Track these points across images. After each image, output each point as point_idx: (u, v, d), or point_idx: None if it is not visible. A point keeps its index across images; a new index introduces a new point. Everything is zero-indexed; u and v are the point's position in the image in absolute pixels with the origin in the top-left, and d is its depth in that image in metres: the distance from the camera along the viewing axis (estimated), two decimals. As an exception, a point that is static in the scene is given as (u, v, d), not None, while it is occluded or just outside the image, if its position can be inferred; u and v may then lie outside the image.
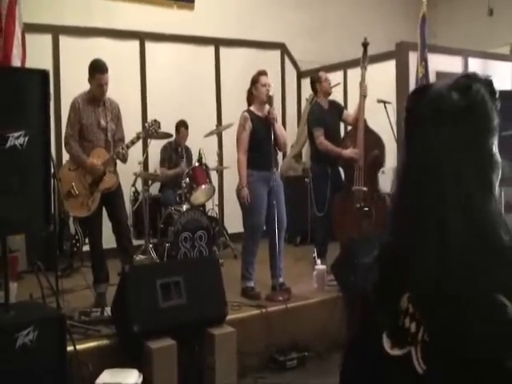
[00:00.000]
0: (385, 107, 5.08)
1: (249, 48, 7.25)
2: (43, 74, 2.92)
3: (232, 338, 3.62)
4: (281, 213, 4.46)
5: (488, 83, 0.92)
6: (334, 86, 5.46)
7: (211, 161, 5.93)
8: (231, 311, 3.87)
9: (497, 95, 0.93)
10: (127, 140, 4.42)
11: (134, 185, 5.80)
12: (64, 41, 6.09)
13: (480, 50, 6.88)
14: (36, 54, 4.43)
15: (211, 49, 7.09)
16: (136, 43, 6.58)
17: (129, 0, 6.51)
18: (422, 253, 0.88)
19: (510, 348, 0.80)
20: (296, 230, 6.27)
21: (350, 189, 5.03)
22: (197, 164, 5.55)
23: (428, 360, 0.87)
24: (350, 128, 5.41)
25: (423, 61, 5.56)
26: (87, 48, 5.81)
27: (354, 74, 5.97)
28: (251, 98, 4.58)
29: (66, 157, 4.64)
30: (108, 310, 3.72)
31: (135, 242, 5.35)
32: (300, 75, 7.74)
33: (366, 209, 4.93)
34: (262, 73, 4.51)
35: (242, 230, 4.72)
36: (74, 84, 4.79)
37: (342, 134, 5.58)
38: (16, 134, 2.73)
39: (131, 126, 4.85)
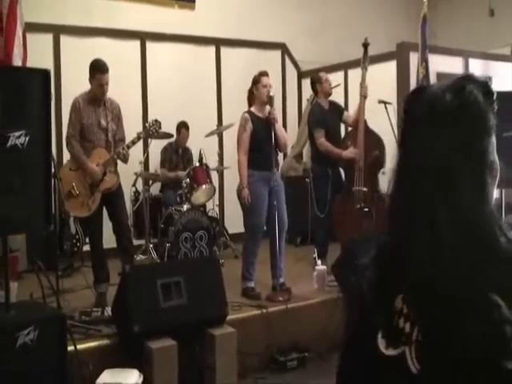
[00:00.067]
0: (385, 108, 5.08)
1: (249, 48, 7.25)
2: (44, 73, 2.92)
3: (232, 338, 3.62)
4: (282, 213, 4.47)
5: (483, 84, 0.93)
6: (335, 86, 5.46)
7: (212, 161, 5.93)
8: (232, 311, 3.87)
9: (494, 97, 0.93)
10: (128, 140, 4.42)
11: (134, 185, 5.80)
12: (65, 40, 6.09)
13: (481, 51, 6.88)
14: (37, 53, 4.43)
15: (212, 49, 7.09)
16: (137, 43, 6.58)
17: (130, 0, 6.51)
18: (415, 253, 0.89)
19: (504, 348, 0.80)
20: (296, 230, 6.26)
21: (350, 189, 5.03)
22: (197, 164, 5.56)
23: (422, 360, 0.87)
24: (350, 128, 5.42)
25: (424, 61, 5.56)
26: (88, 48, 5.80)
27: (354, 74, 5.97)
28: (252, 97, 4.58)
29: (66, 156, 4.64)
30: (108, 310, 3.72)
31: (136, 242, 5.35)
32: (301, 75, 7.74)
33: (367, 209, 4.93)
34: (264, 73, 4.51)
35: (242, 230, 4.72)
36: (74, 84, 4.80)
37: (343, 134, 5.59)
38: (17, 134, 2.73)
39: (132, 126, 4.84)
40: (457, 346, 0.83)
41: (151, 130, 4.62)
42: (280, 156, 5.08)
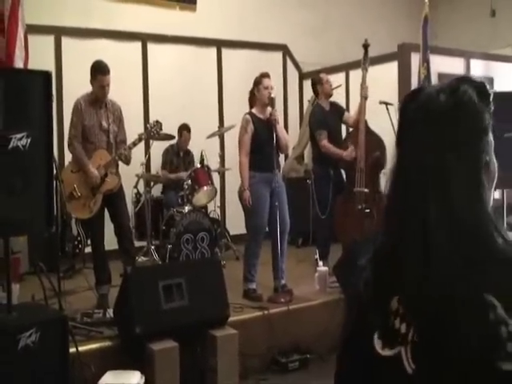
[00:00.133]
0: (387, 109, 5.08)
1: (251, 49, 7.25)
2: (46, 75, 2.92)
3: (234, 339, 3.61)
4: (283, 214, 4.47)
5: (478, 85, 0.93)
6: (336, 87, 5.46)
7: (213, 162, 5.93)
8: (233, 313, 3.86)
9: (489, 97, 0.93)
10: (129, 142, 4.43)
11: (136, 186, 5.80)
12: (66, 42, 6.10)
13: (482, 52, 6.88)
14: (38, 55, 4.44)
15: (213, 50, 7.10)
16: (138, 45, 6.59)
17: (131, 1, 6.52)
18: (409, 253, 0.89)
19: (500, 349, 0.80)
20: (298, 231, 6.26)
21: (351, 190, 5.03)
22: (199, 165, 5.56)
23: (417, 360, 0.88)
24: (351, 129, 5.42)
25: (425, 62, 5.55)
26: (89, 49, 5.82)
27: (355, 75, 5.96)
28: (253, 99, 4.59)
29: (68, 158, 4.65)
30: (110, 312, 3.72)
31: (137, 244, 5.34)
32: (302, 77, 7.74)
33: (368, 210, 4.93)
34: (265, 75, 4.51)
35: (243, 231, 4.72)
36: (76, 85, 4.80)
37: (344, 134, 5.58)
38: (18, 136, 2.74)
39: (133, 128, 4.85)
40: (452, 346, 0.83)
41: (152, 132, 4.62)
42: (281, 157, 5.08)
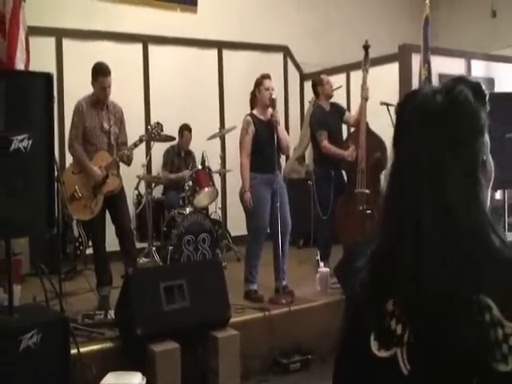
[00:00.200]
0: (388, 110, 5.07)
1: (252, 51, 7.26)
2: (47, 77, 2.92)
3: (235, 340, 3.61)
4: (285, 215, 4.47)
5: (474, 85, 0.93)
6: (336, 88, 5.47)
7: (214, 164, 5.93)
8: (234, 314, 3.86)
9: (485, 97, 0.93)
10: (130, 143, 4.43)
11: (137, 188, 5.81)
12: (67, 44, 6.11)
13: (483, 52, 6.88)
14: (39, 57, 4.45)
15: (214, 52, 7.10)
16: (139, 46, 6.59)
17: (132, 3, 6.53)
18: (404, 253, 0.89)
19: (495, 350, 0.80)
20: (299, 232, 6.25)
21: (352, 191, 5.03)
22: (200, 167, 5.56)
23: (413, 361, 0.88)
24: (352, 130, 5.42)
25: (426, 63, 5.55)
26: (90, 51, 5.82)
27: (356, 76, 5.96)
28: (254, 100, 4.59)
29: (69, 160, 4.65)
30: (111, 313, 3.72)
31: (138, 245, 5.34)
32: (303, 78, 7.74)
33: (369, 211, 4.93)
34: (266, 76, 4.52)
35: (245, 232, 4.72)
36: (77, 87, 4.80)
37: (345, 135, 5.58)
38: (20, 137, 2.74)
39: (134, 129, 4.85)
40: (448, 347, 0.83)
41: (153, 133, 4.63)
42: (282, 158, 5.08)
